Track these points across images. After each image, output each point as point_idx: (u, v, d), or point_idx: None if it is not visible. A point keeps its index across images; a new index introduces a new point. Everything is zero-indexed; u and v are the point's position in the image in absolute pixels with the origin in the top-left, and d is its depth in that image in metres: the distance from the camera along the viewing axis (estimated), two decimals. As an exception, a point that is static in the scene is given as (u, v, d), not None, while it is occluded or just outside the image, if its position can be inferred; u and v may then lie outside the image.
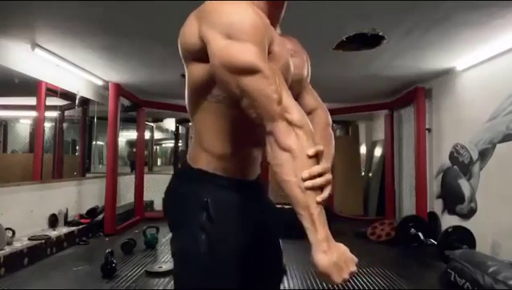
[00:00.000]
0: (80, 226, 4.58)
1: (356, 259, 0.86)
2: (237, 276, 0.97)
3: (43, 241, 3.77)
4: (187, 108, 1.04)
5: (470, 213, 4.11)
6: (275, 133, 0.83)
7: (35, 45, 3.70)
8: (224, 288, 0.95)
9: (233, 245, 0.97)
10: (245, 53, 0.82)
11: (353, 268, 0.84)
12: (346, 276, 0.82)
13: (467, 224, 3.98)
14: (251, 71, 0.82)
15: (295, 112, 0.84)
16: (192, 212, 0.97)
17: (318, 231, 0.81)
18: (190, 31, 0.92)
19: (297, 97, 1.11)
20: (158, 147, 11.99)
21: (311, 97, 1.20)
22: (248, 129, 0.93)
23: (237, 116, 0.93)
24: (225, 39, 0.83)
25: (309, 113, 1.15)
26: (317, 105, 1.20)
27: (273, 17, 0.97)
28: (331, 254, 0.81)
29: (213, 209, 0.95)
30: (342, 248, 0.85)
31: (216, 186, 0.99)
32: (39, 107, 4.51)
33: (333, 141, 1.16)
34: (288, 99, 0.85)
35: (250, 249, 1.02)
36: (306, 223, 0.82)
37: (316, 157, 0.84)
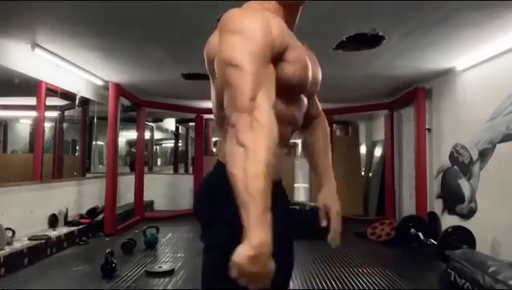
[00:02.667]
0: (80, 226, 4.58)
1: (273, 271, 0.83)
2: None
3: (43, 241, 3.77)
4: (215, 116, 1.08)
5: (470, 213, 4.11)
6: (237, 125, 0.84)
7: (35, 45, 3.70)
8: None
9: None
10: (244, 51, 0.87)
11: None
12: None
13: (467, 224, 3.98)
14: (241, 67, 0.86)
15: (264, 114, 0.85)
16: (231, 206, 0.99)
17: (250, 230, 0.82)
18: (213, 42, 0.99)
19: (308, 100, 1.18)
20: (158, 147, 12.00)
21: (316, 104, 1.27)
22: None
23: None
24: (234, 36, 0.89)
25: (315, 117, 1.26)
26: (320, 113, 1.27)
27: (288, 22, 1.03)
28: (251, 246, 0.80)
29: None
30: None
31: None
32: (39, 107, 4.50)
33: (330, 148, 1.27)
34: (265, 103, 0.86)
35: (279, 248, 1.05)
36: (243, 216, 0.83)
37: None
